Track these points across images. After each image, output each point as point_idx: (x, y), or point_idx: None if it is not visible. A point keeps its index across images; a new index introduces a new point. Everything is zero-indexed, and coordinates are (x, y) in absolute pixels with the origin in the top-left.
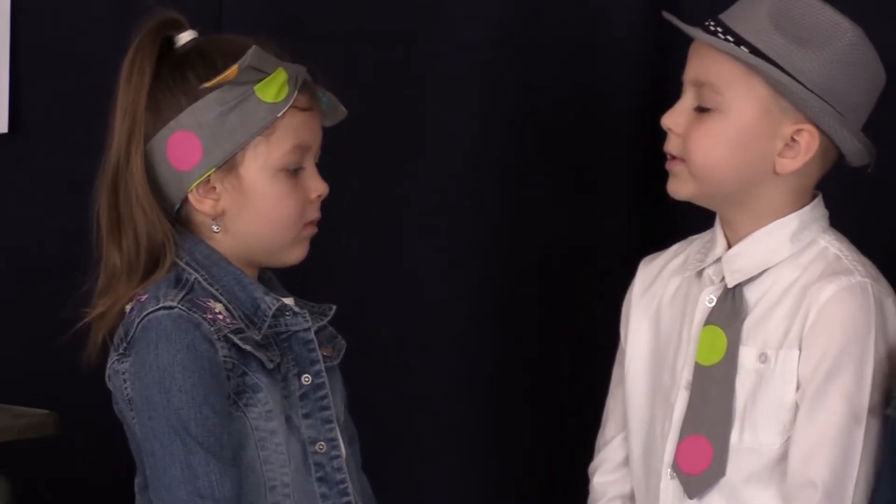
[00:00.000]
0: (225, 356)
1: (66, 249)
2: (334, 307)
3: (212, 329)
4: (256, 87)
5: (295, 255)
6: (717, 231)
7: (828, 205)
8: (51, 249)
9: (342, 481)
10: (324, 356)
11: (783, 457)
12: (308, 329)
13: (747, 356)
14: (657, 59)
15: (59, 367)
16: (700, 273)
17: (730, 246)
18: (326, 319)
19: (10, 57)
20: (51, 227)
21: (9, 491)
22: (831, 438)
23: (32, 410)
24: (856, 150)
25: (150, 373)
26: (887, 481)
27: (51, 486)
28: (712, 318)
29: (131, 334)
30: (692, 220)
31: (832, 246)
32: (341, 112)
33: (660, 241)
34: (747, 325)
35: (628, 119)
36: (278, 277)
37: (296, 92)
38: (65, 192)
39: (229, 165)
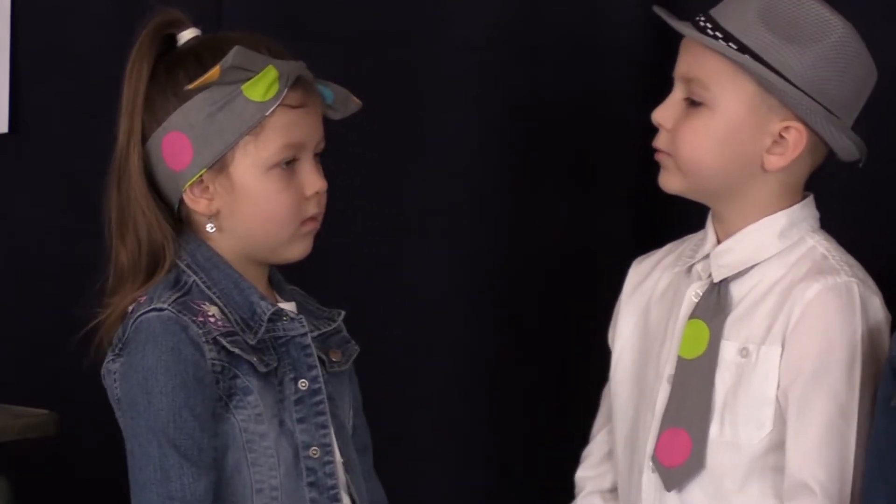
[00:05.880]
0: (213, 359)
1: (66, 249)
2: (343, 313)
3: (200, 332)
4: (244, 87)
5: (295, 251)
6: (708, 227)
7: (821, 206)
8: (51, 249)
9: (333, 487)
10: (332, 361)
11: (763, 452)
12: (305, 334)
13: (728, 350)
14: (657, 59)
15: (59, 367)
16: (690, 269)
17: (720, 242)
18: (334, 325)
19: (10, 57)
20: (51, 227)
21: (9, 491)
22: (821, 437)
23: (32, 410)
24: (845, 146)
25: (135, 374)
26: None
27: (51, 486)
28: (696, 313)
29: (125, 335)
30: (692, 220)
31: (820, 245)
32: (353, 104)
33: (660, 241)
34: (731, 319)
35: (628, 119)
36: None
37: (286, 90)
38: (65, 192)
39: (220, 165)
